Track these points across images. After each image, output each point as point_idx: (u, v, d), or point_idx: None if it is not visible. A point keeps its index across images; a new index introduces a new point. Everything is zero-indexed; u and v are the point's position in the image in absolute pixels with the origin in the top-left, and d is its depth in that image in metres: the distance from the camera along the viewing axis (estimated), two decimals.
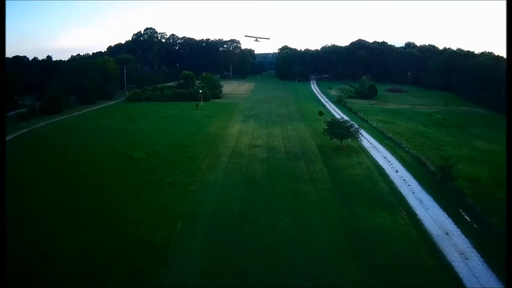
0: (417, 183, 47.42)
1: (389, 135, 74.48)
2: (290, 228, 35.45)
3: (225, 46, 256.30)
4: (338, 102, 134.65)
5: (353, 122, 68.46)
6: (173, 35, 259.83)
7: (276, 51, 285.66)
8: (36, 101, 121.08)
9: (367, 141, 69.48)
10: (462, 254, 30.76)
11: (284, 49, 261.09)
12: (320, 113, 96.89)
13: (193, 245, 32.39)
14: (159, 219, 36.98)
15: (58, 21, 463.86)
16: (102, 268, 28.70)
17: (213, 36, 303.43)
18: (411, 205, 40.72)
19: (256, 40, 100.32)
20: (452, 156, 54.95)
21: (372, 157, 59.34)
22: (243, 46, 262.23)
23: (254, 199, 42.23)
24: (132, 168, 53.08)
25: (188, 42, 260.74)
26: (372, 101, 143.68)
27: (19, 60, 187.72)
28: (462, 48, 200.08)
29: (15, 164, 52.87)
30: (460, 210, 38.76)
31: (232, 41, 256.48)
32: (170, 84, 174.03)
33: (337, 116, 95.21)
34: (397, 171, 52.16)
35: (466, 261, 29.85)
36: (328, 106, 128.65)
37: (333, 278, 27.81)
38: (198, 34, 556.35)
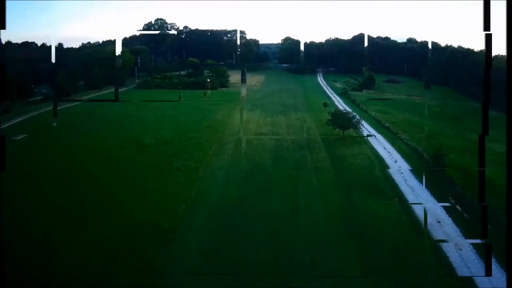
0: (411, 172, 49.47)
1: (386, 125, 76.27)
2: (292, 214, 37.51)
3: (228, 35, 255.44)
4: (342, 94, 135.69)
5: (355, 114, 70.52)
6: (186, 27, 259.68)
7: (280, 41, 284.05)
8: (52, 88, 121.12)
9: (367, 131, 71.20)
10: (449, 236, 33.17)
11: (287, 40, 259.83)
12: (325, 105, 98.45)
13: (199, 228, 34.27)
14: (166, 203, 38.41)
15: (70, 10, 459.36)
16: (107, 254, 29.90)
17: (216, 26, 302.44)
18: (403, 192, 43.14)
19: None
20: (445, 146, 56.58)
21: (372, 147, 61.21)
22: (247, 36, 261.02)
23: (258, 186, 44.10)
24: (142, 154, 54.07)
25: (194, 32, 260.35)
26: (370, 91, 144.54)
27: (28, 46, 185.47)
28: (463, 46, 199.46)
29: (19, 151, 53.06)
30: (450, 198, 40.85)
31: (235, 31, 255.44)
32: (180, 73, 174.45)
33: (340, 107, 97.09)
34: (396, 161, 54.33)
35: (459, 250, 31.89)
36: (333, 98, 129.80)
37: (329, 260, 30.02)
38: (201, 24, 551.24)
